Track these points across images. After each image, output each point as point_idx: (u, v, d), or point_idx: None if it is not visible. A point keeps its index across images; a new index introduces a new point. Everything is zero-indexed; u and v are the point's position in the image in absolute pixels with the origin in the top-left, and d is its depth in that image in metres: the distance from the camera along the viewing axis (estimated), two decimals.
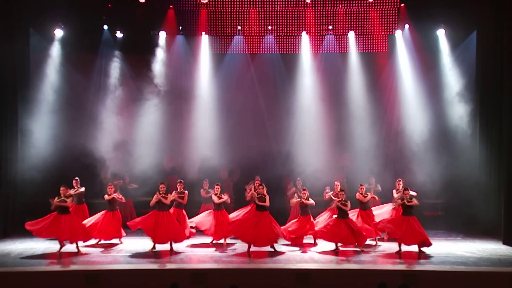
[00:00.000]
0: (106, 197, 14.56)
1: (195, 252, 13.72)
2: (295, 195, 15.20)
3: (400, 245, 13.41)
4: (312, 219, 14.66)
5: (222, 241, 14.77)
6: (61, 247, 13.50)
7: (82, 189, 15.13)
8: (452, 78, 17.36)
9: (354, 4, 17.36)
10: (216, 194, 14.82)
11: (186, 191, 15.02)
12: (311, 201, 14.55)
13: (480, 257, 13.03)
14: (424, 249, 13.43)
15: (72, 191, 14.61)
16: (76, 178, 15.18)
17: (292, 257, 13.13)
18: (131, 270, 11.94)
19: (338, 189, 14.97)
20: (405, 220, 13.35)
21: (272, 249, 13.60)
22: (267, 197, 13.67)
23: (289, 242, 14.41)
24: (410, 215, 13.44)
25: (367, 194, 14.85)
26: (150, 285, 11.49)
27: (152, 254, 13.37)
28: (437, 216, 17.37)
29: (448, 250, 13.80)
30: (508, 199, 14.68)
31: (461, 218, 16.48)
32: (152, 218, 13.62)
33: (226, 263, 12.52)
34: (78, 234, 13.46)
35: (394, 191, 15.18)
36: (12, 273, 11.69)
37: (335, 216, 14.03)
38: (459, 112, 16.95)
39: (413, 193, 14.32)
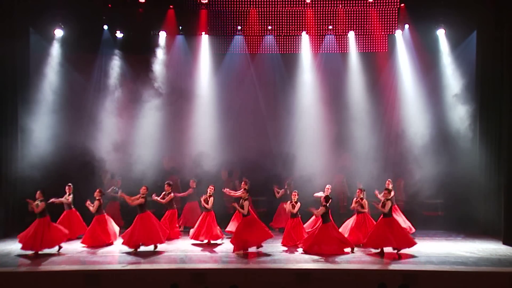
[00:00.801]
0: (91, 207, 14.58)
1: (195, 252, 13.72)
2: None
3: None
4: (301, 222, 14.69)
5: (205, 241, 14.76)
6: (59, 248, 13.52)
7: (70, 197, 14.97)
8: (452, 78, 17.36)
9: (354, 4, 17.34)
10: (208, 196, 14.78)
11: (172, 194, 15.29)
12: (297, 206, 14.44)
13: (480, 257, 13.03)
14: (423, 249, 13.45)
15: (64, 198, 14.84)
16: (69, 184, 15.11)
17: (292, 257, 13.13)
18: (131, 270, 11.94)
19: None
20: (382, 224, 13.40)
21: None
22: (246, 204, 13.68)
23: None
24: (386, 216, 13.44)
25: (362, 200, 14.76)
26: (150, 285, 11.48)
27: (152, 254, 13.36)
28: (437, 216, 17.36)
29: (448, 250, 13.80)
30: (508, 199, 14.67)
31: (461, 218, 16.47)
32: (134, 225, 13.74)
33: (226, 263, 12.52)
34: (53, 239, 13.39)
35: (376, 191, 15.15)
36: (12, 273, 11.69)
37: None
38: (459, 112, 16.95)
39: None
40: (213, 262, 12.64)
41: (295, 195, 14.53)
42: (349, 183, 17.58)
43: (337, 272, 11.87)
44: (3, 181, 15.61)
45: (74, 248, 13.82)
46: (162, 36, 18.07)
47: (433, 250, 13.54)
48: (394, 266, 12.26)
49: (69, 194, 15.02)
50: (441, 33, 17.48)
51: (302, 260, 12.79)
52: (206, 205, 14.64)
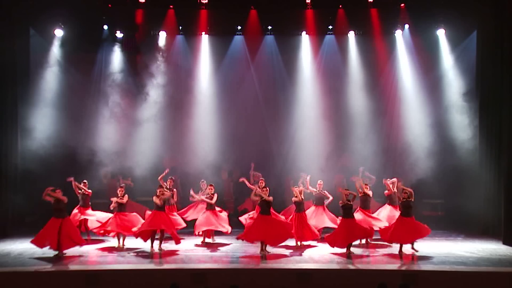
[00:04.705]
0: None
1: (195, 252, 13.72)
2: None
3: (401, 245, 13.41)
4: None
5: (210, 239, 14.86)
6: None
7: (125, 198, 14.43)
8: (452, 78, 17.39)
9: (354, 4, 17.36)
10: (207, 195, 14.75)
11: (175, 189, 15.22)
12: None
13: (480, 257, 13.02)
14: (423, 248, 13.47)
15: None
16: (122, 185, 14.91)
17: (292, 257, 13.13)
18: (131, 270, 11.94)
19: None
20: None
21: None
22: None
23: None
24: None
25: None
26: (150, 285, 11.48)
27: (152, 254, 13.35)
28: (437, 216, 17.38)
29: (448, 250, 13.79)
30: (508, 199, 14.66)
31: (461, 218, 16.49)
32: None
33: (226, 263, 12.52)
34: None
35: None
36: (12, 273, 11.69)
37: None
38: (459, 112, 16.97)
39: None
40: (213, 262, 12.63)
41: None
42: (349, 183, 17.61)
43: (337, 272, 11.87)
44: (3, 181, 15.61)
45: (74, 248, 13.79)
46: (162, 36, 18.06)
47: (433, 250, 13.54)
48: (394, 266, 12.26)
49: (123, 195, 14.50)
50: (441, 33, 17.50)
51: (302, 260, 12.78)
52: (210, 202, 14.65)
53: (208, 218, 14.47)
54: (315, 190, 14.97)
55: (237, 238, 13.48)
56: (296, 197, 14.27)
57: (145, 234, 13.48)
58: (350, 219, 13.40)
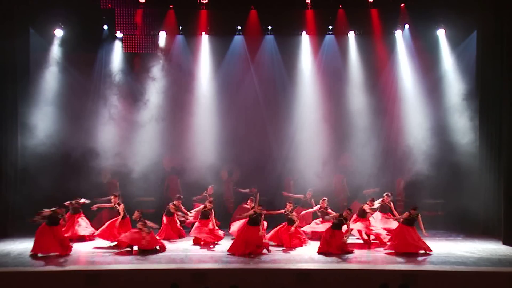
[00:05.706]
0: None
1: (195, 252, 13.72)
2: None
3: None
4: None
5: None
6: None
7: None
8: (452, 78, 17.38)
9: (354, 4, 17.34)
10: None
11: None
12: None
13: (480, 257, 13.03)
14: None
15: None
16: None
17: (292, 257, 13.14)
18: (131, 270, 11.94)
19: None
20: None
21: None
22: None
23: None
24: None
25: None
26: (150, 285, 11.49)
27: (152, 254, 13.35)
28: (437, 216, 17.37)
29: (448, 250, 13.81)
30: (508, 199, 14.68)
31: (461, 218, 16.48)
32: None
33: (226, 263, 12.53)
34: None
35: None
36: (12, 273, 11.69)
37: None
38: (459, 112, 16.97)
39: None
40: (213, 262, 12.64)
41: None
42: (349, 183, 17.62)
43: (337, 272, 11.87)
44: (3, 181, 15.61)
45: (75, 248, 13.80)
46: (162, 36, 18.05)
47: (433, 250, 13.54)
48: (394, 266, 12.26)
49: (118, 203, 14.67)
50: (441, 33, 17.50)
51: (302, 260, 12.79)
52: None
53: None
54: (319, 207, 15.24)
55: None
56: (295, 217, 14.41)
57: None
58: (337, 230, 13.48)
